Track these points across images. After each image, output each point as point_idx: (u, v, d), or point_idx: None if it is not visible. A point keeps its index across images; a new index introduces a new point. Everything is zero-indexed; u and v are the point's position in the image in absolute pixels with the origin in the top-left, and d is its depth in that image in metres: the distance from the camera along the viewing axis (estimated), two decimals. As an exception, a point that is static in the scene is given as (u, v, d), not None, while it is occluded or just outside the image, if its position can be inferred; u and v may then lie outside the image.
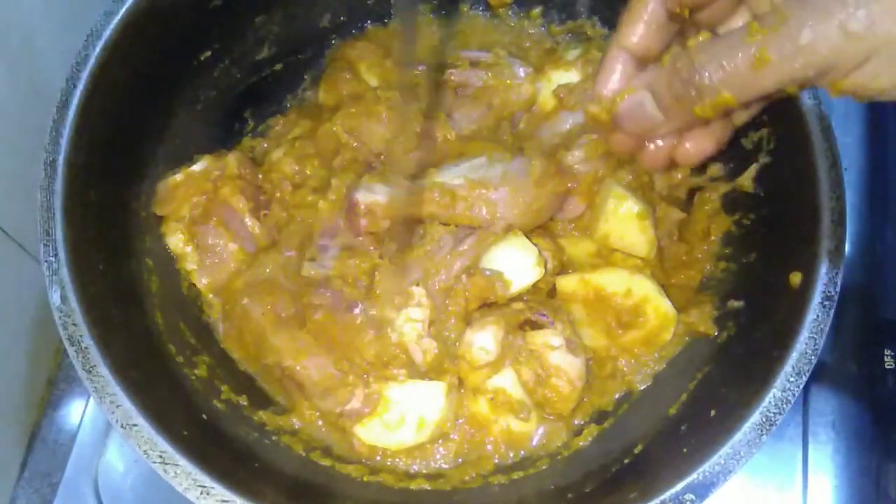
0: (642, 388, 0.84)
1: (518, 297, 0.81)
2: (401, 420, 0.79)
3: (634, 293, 0.81)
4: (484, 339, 0.78)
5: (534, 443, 0.83)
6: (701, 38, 0.52)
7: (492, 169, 0.82)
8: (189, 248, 0.86)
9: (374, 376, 0.80)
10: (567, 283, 0.83)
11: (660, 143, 0.61)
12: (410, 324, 0.78)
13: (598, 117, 0.60)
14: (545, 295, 0.84)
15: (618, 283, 0.81)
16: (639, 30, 0.58)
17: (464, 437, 0.83)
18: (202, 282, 0.87)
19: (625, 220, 0.82)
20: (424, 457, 0.82)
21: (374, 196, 0.80)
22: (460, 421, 0.83)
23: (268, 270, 0.86)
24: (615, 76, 0.59)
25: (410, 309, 0.78)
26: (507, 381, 0.80)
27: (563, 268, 0.85)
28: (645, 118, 0.57)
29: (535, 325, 0.81)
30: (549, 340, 0.79)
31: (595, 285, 0.81)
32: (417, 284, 0.79)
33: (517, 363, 0.80)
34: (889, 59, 0.45)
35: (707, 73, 0.50)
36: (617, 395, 0.85)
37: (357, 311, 0.79)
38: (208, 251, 0.87)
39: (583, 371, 0.80)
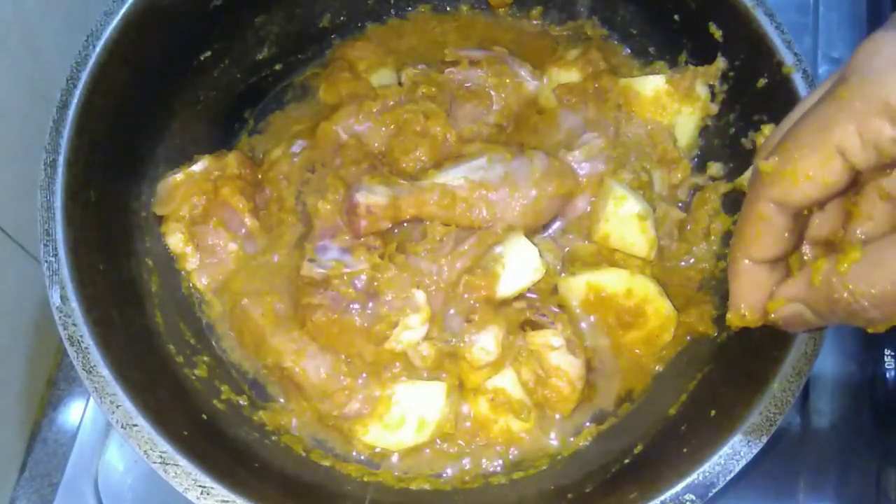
0: (642, 388, 0.84)
1: (518, 298, 0.81)
2: (401, 420, 0.79)
3: (635, 293, 0.81)
4: (484, 340, 0.78)
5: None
6: (850, 259, 0.46)
7: (492, 170, 0.82)
8: (189, 248, 0.86)
9: (374, 377, 0.80)
10: (567, 284, 0.83)
11: None
12: (408, 331, 0.78)
13: (747, 325, 0.56)
14: (545, 295, 0.84)
15: (618, 283, 0.81)
16: (766, 243, 0.52)
17: (464, 437, 0.83)
18: (202, 282, 0.87)
19: (625, 220, 0.82)
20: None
21: (374, 197, 0.80)
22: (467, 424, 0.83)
23: (267, 271, 0.86)
24: (755, 290, 0.54)
25: (408, 317, 0.77)
26: (507, 381, 0.80)
27: (564, 268, 0.85)
28: (806, 324, 0.53)
29: (536, 325, 0.81)
30: (549, 340, 0.79)
31: (595, 285, 0.81)
32: (418, 286, 0.79)
33: (517, 363, 0.80)
34: None
35: (873, 309, 0.45)
36: (617, 396, 0.85)
37: (356, 311, 0.79)
38: (208, 251, 0.87)
39: (583, 371, 0.80)
